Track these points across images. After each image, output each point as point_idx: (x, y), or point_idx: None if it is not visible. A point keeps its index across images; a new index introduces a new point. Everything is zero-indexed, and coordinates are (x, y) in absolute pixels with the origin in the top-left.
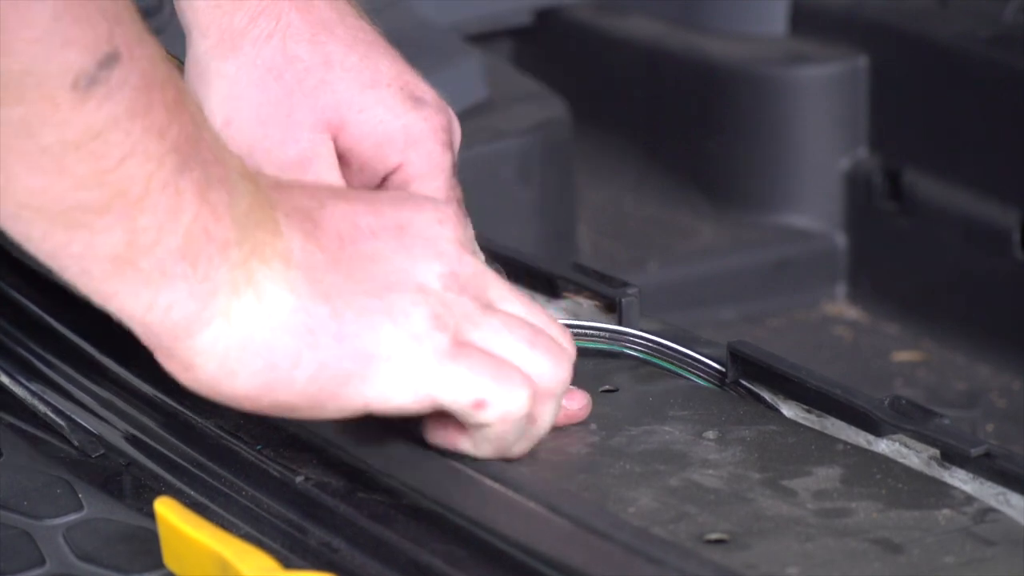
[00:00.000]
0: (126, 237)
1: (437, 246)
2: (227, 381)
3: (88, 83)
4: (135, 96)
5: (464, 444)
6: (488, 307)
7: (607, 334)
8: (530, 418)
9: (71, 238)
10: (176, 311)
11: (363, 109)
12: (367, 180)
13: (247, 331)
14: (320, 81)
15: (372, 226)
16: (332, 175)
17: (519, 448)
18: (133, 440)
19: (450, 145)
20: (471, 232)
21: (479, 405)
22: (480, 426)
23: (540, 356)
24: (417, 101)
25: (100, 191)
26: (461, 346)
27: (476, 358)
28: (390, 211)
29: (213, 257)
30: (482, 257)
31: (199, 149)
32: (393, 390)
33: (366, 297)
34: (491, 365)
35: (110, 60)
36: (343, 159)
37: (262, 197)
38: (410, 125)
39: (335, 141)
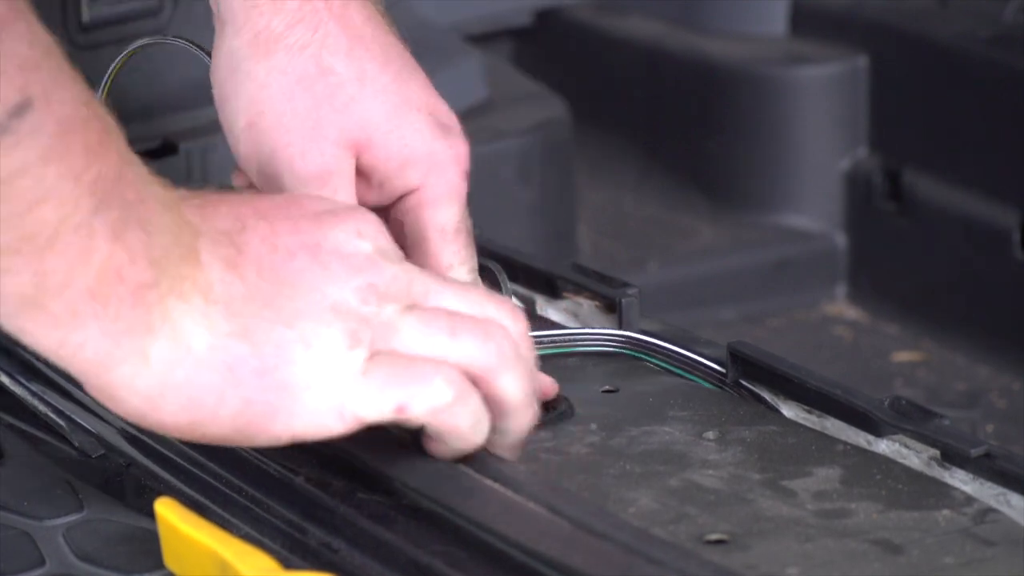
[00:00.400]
0: (34, 279)
1: (354, 262)
2: (153, 415)
3: None
4: (50, 142)
5: (436, 448)
6: (412, 307)
7: (608, 338)
8: (496, 400)
9: None
10: (88, 349)
11: (392, 130)
12: (383, 197)
13: (166, 369)
14: (351, 97)
15: (291, 246)
16: (347, 191)
17: (515, 426)
18: (133, 440)
19: (467, 176)
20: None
21: (401, 410)
22: (422, 427)
23: (463, 340)
24: (444, 128)
25: (7, 234)
26: (376, 357)
27: (388, 366)
28: (309, 227)
29: (125, 298)
30: (406, 264)
31: (120, 188)
32: (319, 418)
33: (283, 328)
34: (403, 367)
35: (21, 109)
36: (364, 174)
37: (184, 227)
38: (436, 152)
39: (359, 158)
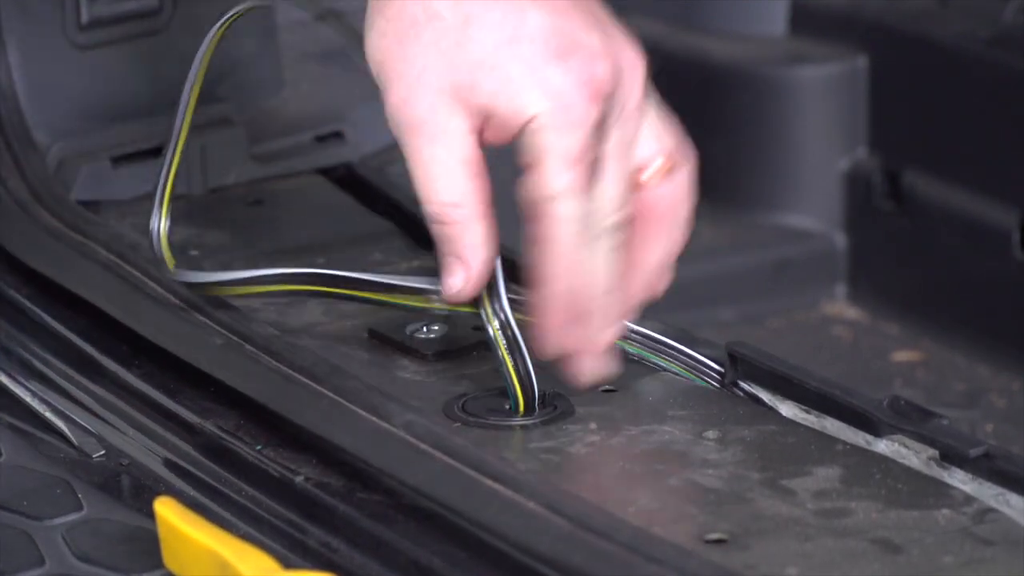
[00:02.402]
0: None
1: None
2: None
3: None
4: None
5: None
6: None
7: None
8: None
9: None
10: None
11: (495, 67)
12: (501, 136)
13: None
14: (455, 42)
15: None
16: (444, 141)
17: None
18: (133, 440)
19: (600, 98)
20: None
21: None
22: None
23: None
24: (561, 53)
25: None
26: None
27: None
28: None
29: None
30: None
31: None
32: None
33: None
34: None
35: None
36: (483, 116)
37: None
38: (548, 79)
39: (469, 101)
